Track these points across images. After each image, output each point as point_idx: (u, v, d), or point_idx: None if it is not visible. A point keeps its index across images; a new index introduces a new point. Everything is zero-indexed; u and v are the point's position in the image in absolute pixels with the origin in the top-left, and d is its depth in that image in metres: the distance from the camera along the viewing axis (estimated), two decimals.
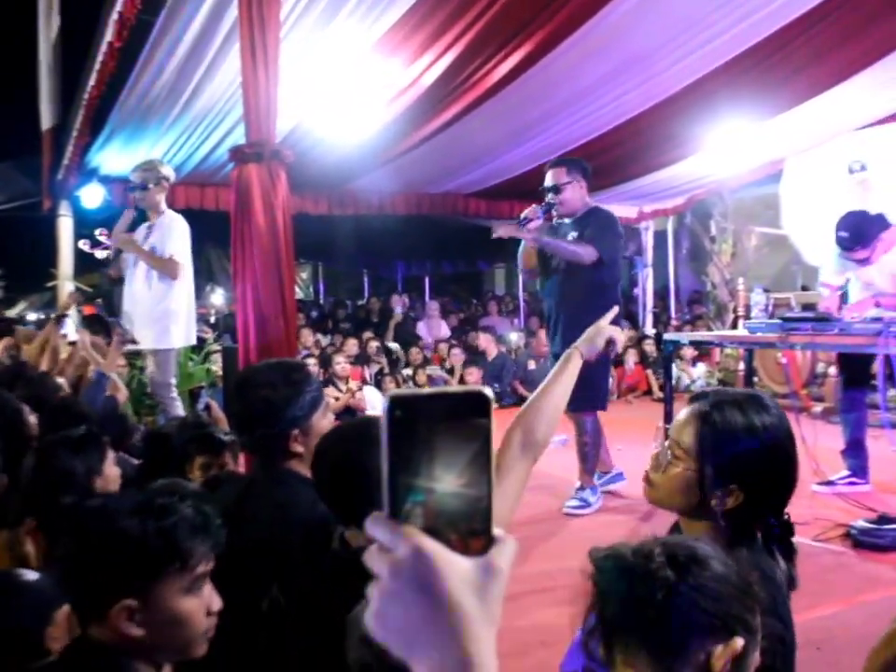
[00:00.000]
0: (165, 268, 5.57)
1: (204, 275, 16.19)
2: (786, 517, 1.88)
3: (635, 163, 9.09)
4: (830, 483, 5.27)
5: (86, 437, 2.66)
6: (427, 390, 0.69)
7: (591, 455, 5.33)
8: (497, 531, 0.68)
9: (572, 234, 5.33)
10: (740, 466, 1.84)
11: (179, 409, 5.66)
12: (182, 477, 2.77)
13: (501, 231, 5.60)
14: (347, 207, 9.76)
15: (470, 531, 0.68)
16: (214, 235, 11.13)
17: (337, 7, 5.44)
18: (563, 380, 1.95)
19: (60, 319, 5.51)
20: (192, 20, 5.41)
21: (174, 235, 5.64)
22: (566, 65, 6.63)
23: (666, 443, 1.95)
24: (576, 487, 5.31)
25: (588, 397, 5.06)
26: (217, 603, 1.67)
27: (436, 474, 0.66)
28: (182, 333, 5.72)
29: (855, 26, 6.57)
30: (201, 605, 1.63)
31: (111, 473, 2.74)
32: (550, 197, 5.34)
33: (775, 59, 6.88)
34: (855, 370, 5.49)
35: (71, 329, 5.45)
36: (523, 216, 5.25)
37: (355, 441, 1.94)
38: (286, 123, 6.32)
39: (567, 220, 5.42)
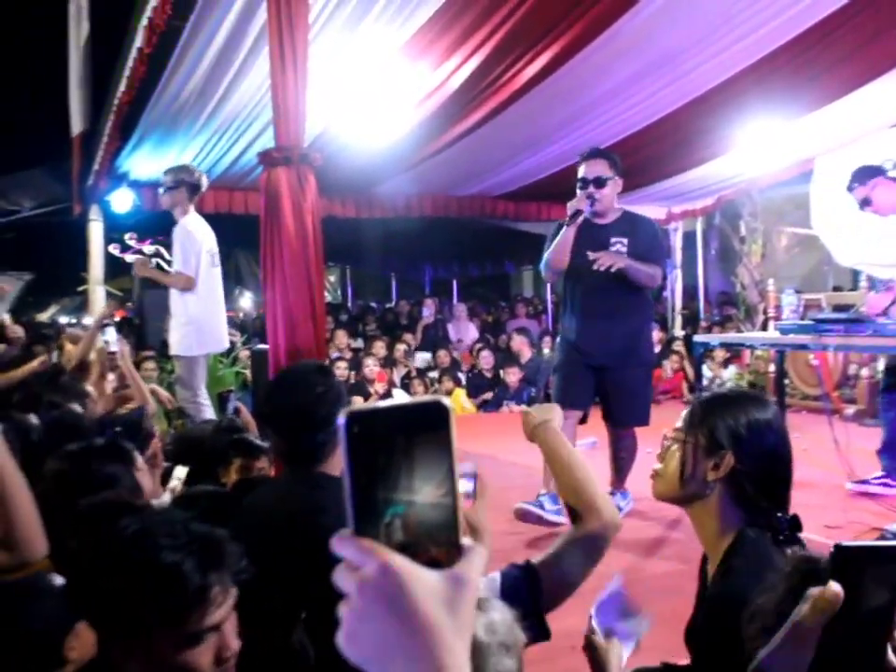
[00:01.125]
0: (177, 284, 5.74)
1: (233, 279, 16.30)
2: (793, 515, 1.92)
3: (664, 164, 9.05)
4: (864, 482, 5.21)
5: (114, 448, 2.55)
6: (384, 404, 0.69)
7: (625, 466, 5.19)
8: (465, 541, 0.68)
9: (620, 243, 5.05)
10: (728, 428, 1.94)
11: (208, 413, 5.70)
12: (213, 481, 2.78)
13: (577, 203, 5.02)
14: (375, 210, 9.78)
15: (447, 542, 0.67)
16: (242, 239, 11.17)
17: (365, 10, 5.44)
18: (573, 457, 2.00)
19: (103, 327, 5.57)
20: (221, 24, 5.44)
21: (183, 247, 5.76)
22: (593, 66, 6.61)
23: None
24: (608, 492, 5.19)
25: (634, 414, 5.06)
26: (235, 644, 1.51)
27: (403, 486, 0.66)
28: (205, 340, 5.79)
29: (887, 23, 6.50)
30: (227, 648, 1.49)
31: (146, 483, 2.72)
32: (590, 190, 5.02)
33: (805, 57, 6.81)
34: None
35: (112, 337, 5.51)
36: (573, 208, 4.97)
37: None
38: (314, 127, 6.34)
39: (599, 222, 5.13)
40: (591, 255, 4.89)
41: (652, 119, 7.81)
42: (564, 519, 4.52)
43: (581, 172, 5.10)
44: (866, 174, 5.47)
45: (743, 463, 1.93)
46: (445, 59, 6.29)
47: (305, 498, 2.38)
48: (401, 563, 0.65)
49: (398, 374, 10.39)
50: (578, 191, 5.08)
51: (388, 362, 10.33)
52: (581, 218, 4.94)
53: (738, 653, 1.67)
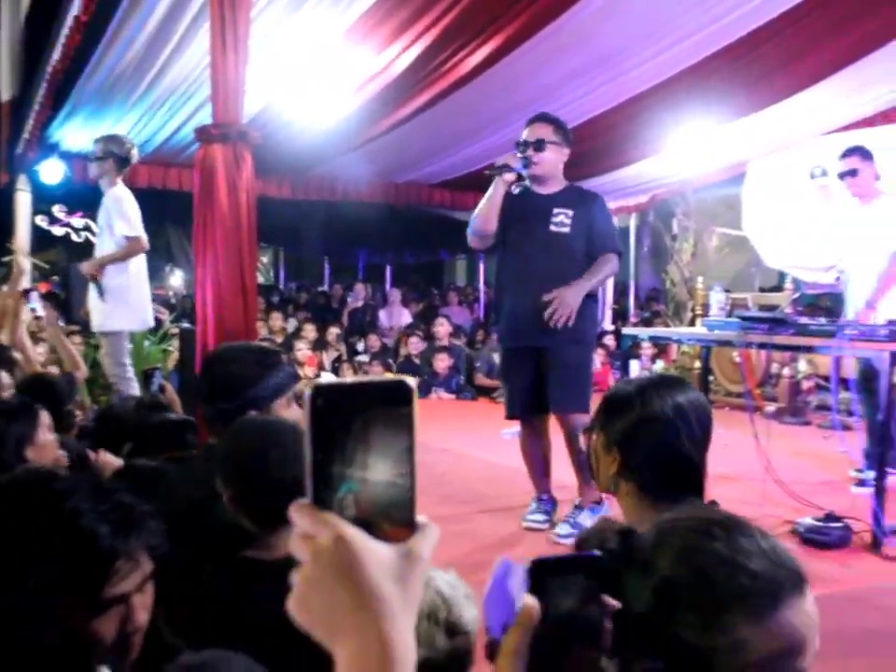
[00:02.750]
0: (133, 251, 5.56)
1: (164, 256, 16.05)
2: (711, 501, 1.94)
3: (599, 161, 9.12)
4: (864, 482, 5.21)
5: (17, 406, 2.60)
6: (349, 379, 0.70)
7: (588, 462, 4.60)
8: (420, 519, 0.69)
9: (564, 214, 4.55)
10: (616, 427, 2.00)
11: (135, 389, 5.61)
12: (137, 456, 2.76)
13: (506, 158, 4.65)
14: (311, 192, 9.72)
15: (402, 520, 0.69)
16: (175, 216, 11.06)
17: None
18: None
19: (27, 293, 5.43)
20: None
21: (121, 211, 5.57)
22: (534, 60, 6.65)
23: None
24: (574, 505, 4.55)
25: (572, 396, 4.50)
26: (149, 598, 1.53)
27: (359, 463, 0.67)
28: (131, 316, 5.67)
29: (822, 33, 6.65)
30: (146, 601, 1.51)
31: (46, 440, 2.72)
32: (525, 154, 4.54)
33: (742, 62, 6.94)
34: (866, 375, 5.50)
35: (38, 303, 5.38)
36: (500, 162, 4.59)
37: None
38: (253, 106, 6.27)
39: (540, 191, 4.65)
40: (546, 315, 4.41)
41: (591, 114, 7.88)
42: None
43: (523, 135, 4.64)
44: (870, 154, 5.51)
45: (631, 459, 1.97)
46: (388, 44, 6.28)
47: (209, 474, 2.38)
48: (355, 534, 0.66)
49: (329, 358, 10.35)
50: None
51: (319, 345, 10.28)
52: (510, 176, 4.53)
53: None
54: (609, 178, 10.02)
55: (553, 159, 4.61)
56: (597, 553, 0.75)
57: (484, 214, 4.63)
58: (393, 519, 0.68)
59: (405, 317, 13.19)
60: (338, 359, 10.31)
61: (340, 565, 0.66)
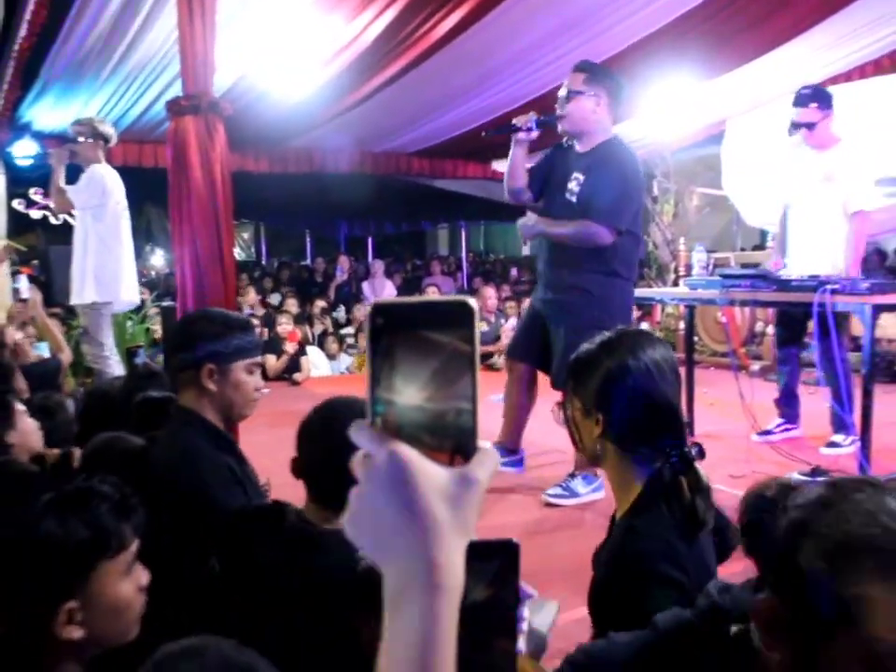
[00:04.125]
0: (57, 201, 5.63)
1: (143, 235, 15.95)
2: (687, 449, 1.92)
3: None
4: (767, 432, 5.46)
5: None
6: (411, 298, 0.69)
7: None
8: (481, 444, 0.69)
9: (576, 180, 4.30)
10: (590, 389, 1.97)
11: (117, 369, 5.58)
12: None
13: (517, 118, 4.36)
14: (289, 166, 9.64)
15: (458, 444, 0.68)
16: (153, 194, 10.89)
17: None
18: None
19: (14, 275, 5.42)
20: None
21: (88, 184, 5.60)
22: (508, 23, 6.58)
23: None
24: (566, 475, 4.48)
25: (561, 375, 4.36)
26: (145, 577, 1.63)
27: (419, 384, 0.67)
28: (108, 290, 5.63)
29: None
30: (134, 585, 1.59)
31: (25, 426, 2.73)
32: (560, 108, 4.30)
33: (717, 20, 6.89)
34: (790, 327, 5.63)
35: (24, 285, 5.35)
36: (513, 122, 4.32)
37: (339, 420, 1.94)
38: (225, 79, 6.21)
39: (579, 148, 4.36)
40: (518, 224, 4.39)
41: (566, 77, 7.82)
42: (601, 494, 4.24)
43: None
44: (829, 100, 5.29)
45: (612, 415, 1.94)
46: (359, 13, 6.19)
47: (177, 440, 2.44)
48: (409, 454, 0.66)
49: (314, 332, 10.33)
50: None
51: (302, 319, 10.25)
52: (522, 135, 4.31)
53: (626, 609, 1.71)
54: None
55: (582, 110, 4.25)
56: (514, 539, 0.74)
57: (507, 173, 4.50)
58: (451, 442, 0.68)
59: (388, 288, 13.16)
60: (323, 333, 10.29)
61: (393, 483, 0.66)
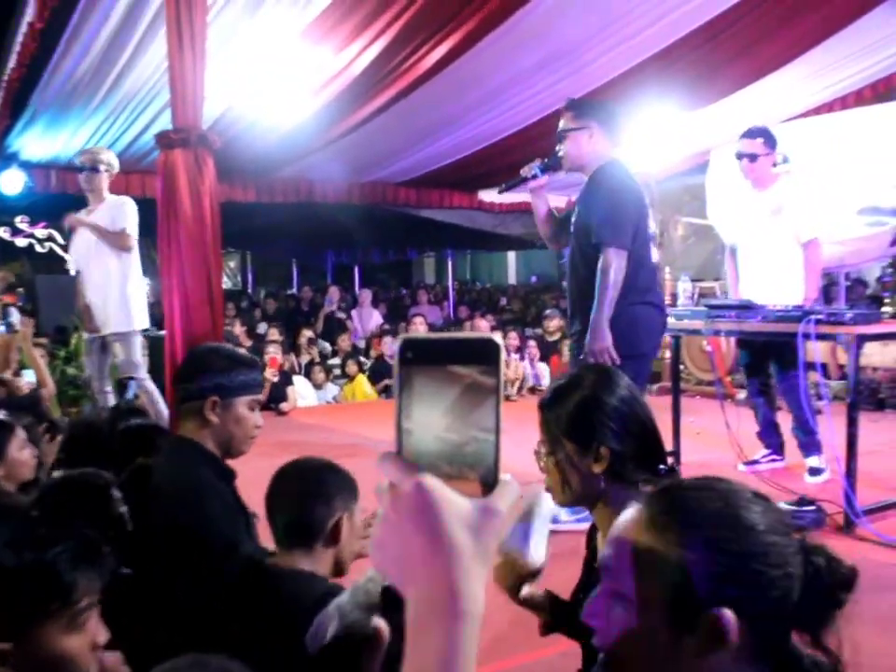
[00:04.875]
0: (118, 240, 5.55)
1: None
2: (676, 469, 1.99)
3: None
4: (754, 462, 5.47)
5: None
6: (439, 335, 0.72)
7: None
8: (503, 476, 0.70)
9: (575, 212, 4.39)
10: (587, 424, 1.95)
11: (155, 393, 5.55)
12: (111, 465, 2.73)
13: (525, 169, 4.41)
14: (276, 195, 9.67)
15: (481, 476, 0.70)
16: (139, 223, 10.93)
17: None
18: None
19: (5, 307, 5.41)
20: (117, 1, 5.30)
21: (125, 211, 5.62)
22: (494, 55, 6.65)
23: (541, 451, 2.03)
24: None
25: None
26: (103, 636, 1.51)
27: (444, 417, 0.69)
28: (142, 315, 5.73)
29: (779, 20, 6.72)
30: (84, 642, 1.47)
31: (19, 457, 2.73)
32: (558, 149, 4.36)
33: (701, 52, 6.99)
34: (754, 357, 5.66)
35: (16, 318, 5.34)
36: (521, 173, 4.40)
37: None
38: (214, 109, 6.24)
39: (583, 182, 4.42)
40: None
41: (553, 108, 7.89)
42: (586, 525, 4.18)
43: None
44: (775, 142, 5.49)
45: (620, 445, 1.95)
46: (347, 44, 6.26)
47: (175, 471, 2.45)
48: (434, 484, 0.68)
49: (301, 361, 10.31)
50: None
51: (288, 348, 10.24)
52: (534, 183, 4.39)
53: None
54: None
55: (576, 147, 4.28)
56: None
57: (537, 225, 4.66)
58: (474, 474, 0.70)
59: (375, 317, 13.17)
60: (310, 363, 10.27)
61: (418, 511, 0.68)
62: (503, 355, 0.70)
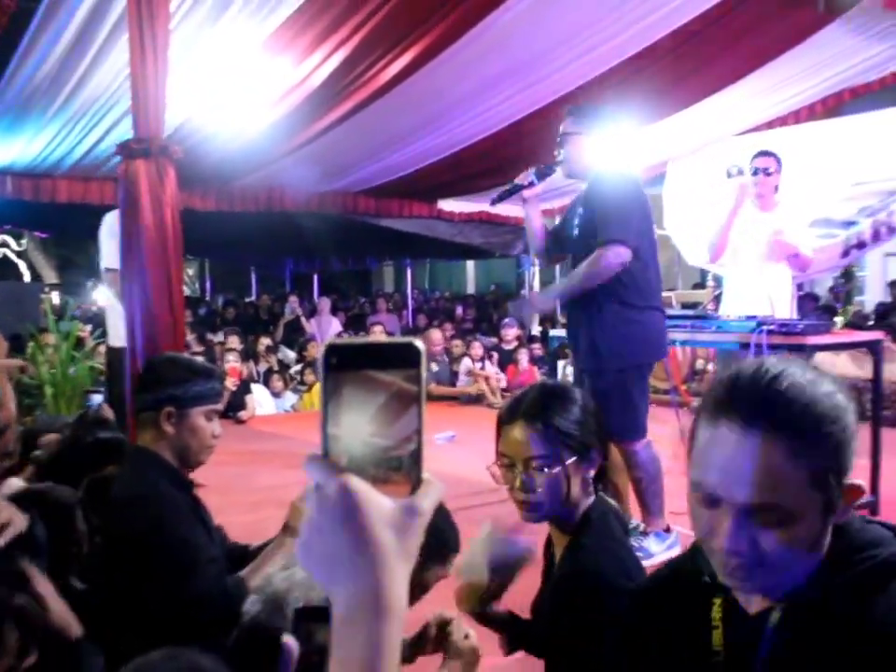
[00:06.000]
0: None
1: (85, 271, 15.80)
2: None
3: (521, 165, 9.16)
4: None
5: None
6: (363, 339, 0.74)
7: (650, 490, 4.22)
8: (424, 475, 0.73)
9: (578, 216, 4.25)
10: (587, 431, 1.98)
11: None
12: (75, 477, 2.72)
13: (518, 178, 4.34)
14: (235, 204, 9.62)
15: (405, 476, 0.72)
16: (96, 231, 10.84)
17: (227, 3, 5.39)
18: None
19: None
20: (77, 8, 5.28)
21: None
22: (454, 68, 6.70)
23: (518, 467, 1.97)
24: (639, 532, 4.17)
25: (631, 421, 4.14)
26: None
27: (368, 420, 0.71)
28: None
29: (735, 37, 6.85)
30: None
31: None
32: (554, 153, 4.29)
33: (658, 66, 7.10)
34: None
35: None
36: (515, 182, 4.30)
37: None
38: (174, 118, 6.22)
39: (583, 187, 4.33)
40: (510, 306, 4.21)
41: (510, 120, 7.98)
42: (677, 552, 3.84)
43: None
44: (781, 164, 5.72)
45: (600, 453, 2.02)
46: (308, 55, 6.27)
47: (132, 481, 2.46)
48: (359, 485, 0.70)
49: (259, 370, 10.29)
50: None
51: (247, 356, 10.21)
52: (528, 193, 4.29)
53: (585, 623, 1.78)
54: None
55: (574, 152, 4.21)
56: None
57: (528, 238, 4.55)
58: (397, 474, 0.72)
59: (335, 326, 13.17)
60: (268, 371, 10.25)
61: (342, 512, 0.70)
62: (424, 358, 0.72)
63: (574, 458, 1.94)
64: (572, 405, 1.99)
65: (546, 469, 1.93)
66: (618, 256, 3.96)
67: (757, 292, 5.64)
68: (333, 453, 0.71)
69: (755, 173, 5.70)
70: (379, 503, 0.71)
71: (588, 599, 1.81)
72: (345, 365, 0.71)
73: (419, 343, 0.72)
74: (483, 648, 2.01)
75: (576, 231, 4.22)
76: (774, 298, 5.54)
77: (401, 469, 0.72)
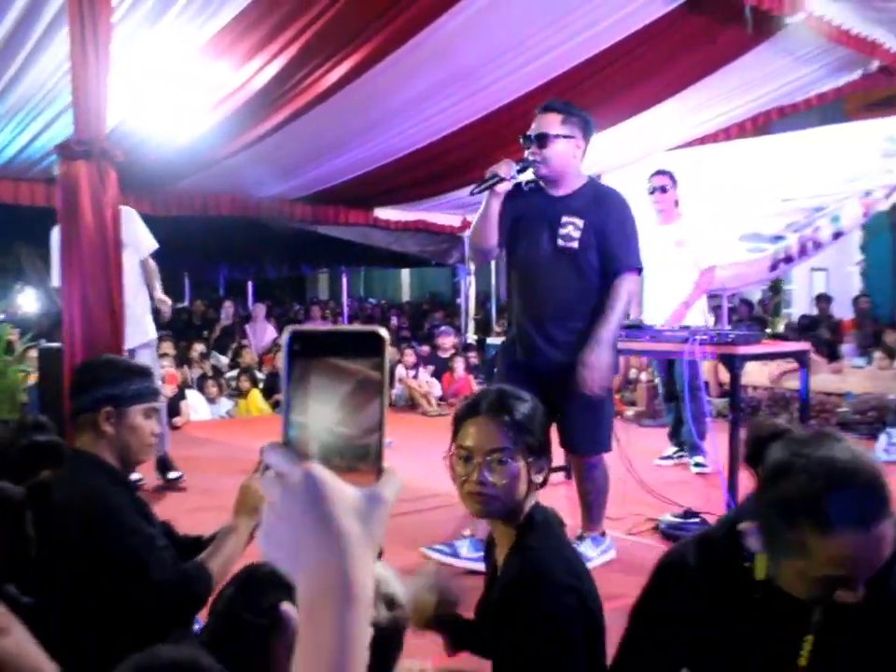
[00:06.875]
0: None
1: (13, 274, 15.47)
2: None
3: (458, 174, 9.27)
4: (667, 457, 6.50)
5: None
6: (326, 327, 0.75)
7: (597, 502, 4.19)
8: (385, 465, 0.74)
9: (572, 224, 3.95)
10: (541, 425, 2.07)
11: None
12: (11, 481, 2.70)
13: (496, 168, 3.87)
14: (171, 208, 9.48)
15: (367, 465, 0.73)
16: (26, 232, 10.64)
17: (167, 5, 5.35)
18: None
19: None
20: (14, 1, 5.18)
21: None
22: (394, 76, 6.73)
23: (477, 460, 2.00)
24: (576, 536, 4.09)
25: (590, 435, 4.05)
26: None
27: (330, 407, 0.72)
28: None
29: (667, 55, 7.03)
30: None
31: None
32: (530, 151, 3.95)
33: (592, 81, 7.24)
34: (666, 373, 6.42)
35: None
36: (490, 173, 3.85)
37: None
38: (111, 119, 6.13)
39: (553, 192, 4.04)
40: (578, 383, 3.86)
41: (448, 130, 8.04)
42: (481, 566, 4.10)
43: (530, 129, 4.02)
44: (676, 181, 6.31)
45: (549, 461, 2.10)
46: (247, 60, 6.25)
47: (75, 484, 2.44)
48: (322, 473, 0.71)
49: (193, 375, 10.19)
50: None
51: (181, 362, 10.10)
52: (503, 186, 3.86)
53: (537, 624, 1.83)
54: (467, 191, 10.19)
55: (561, 154, 3.94)
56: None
57: (481, 231, 4.03)
58: (360, 463, 0.73)
59: (270, 332, 13.08)
60: (202, 377, 10.15)
61: (307, 500, 0.71)
62: (388, 347, 0.73)
63: (531, 458, 2.01)
64: (529, 406, 2.06)
65: (508, 461, 1.98)
66: (636, 283, 4.04)
67: (668, 301, 6.07)
68: (298, 440, 0.72)
69: (652, 191, 6.23)
70: (342, 491, 0.71)
71: (540, 600, 1.85)
72: (309, 352, 0.71)
73: (383, 331, 0.73)
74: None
75: (573, 244, 3.95)
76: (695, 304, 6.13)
77: (367, 458, 0.73)
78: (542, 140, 3.91)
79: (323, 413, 0.72)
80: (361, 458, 0.73)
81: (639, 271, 4.08)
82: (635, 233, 4.04)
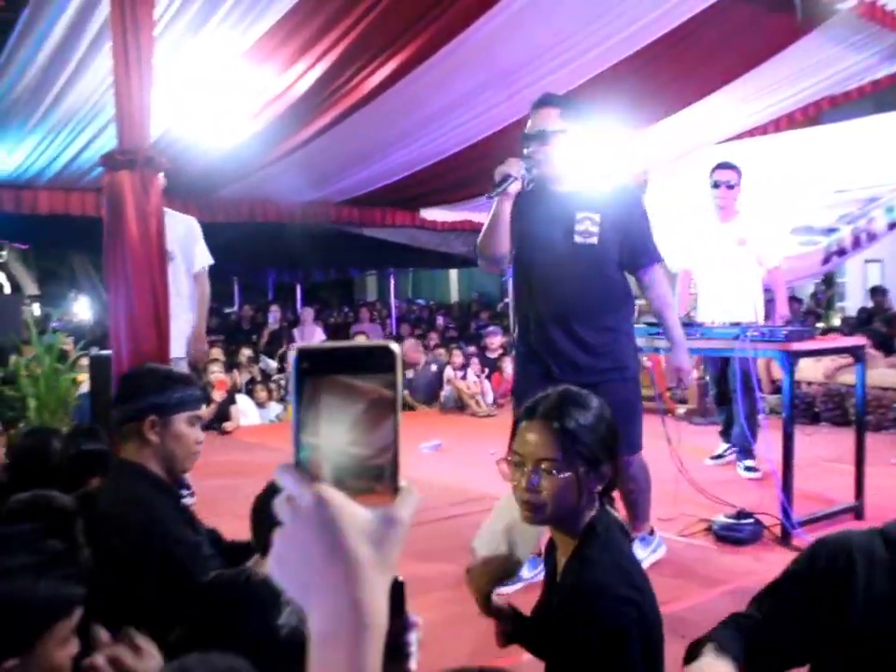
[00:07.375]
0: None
1: (67, 282, 15.75)
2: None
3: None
4: (719, 456, 6.37)
5: None
6: (335, 343, 0.71)
7: (640, 500, 4.12)
8: (402, 483, 0.71)
9: (589, 220, 3.79)
10: (600, 440, 1.98)
11: None
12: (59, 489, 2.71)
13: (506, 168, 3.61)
14: (217, 215, 9.56)
15: (382, 485, 0.70)
16: (79, 241, 10.83)
17: (210, 12, 5.39)
18: None
19: None
20: (59, 18, 5.25)
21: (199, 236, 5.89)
22: (436, 77, 6.73)
23: (528, 468, 1.97)
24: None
25: (633, 437, 3.91)
26: (76, 647, 1.54)
27: (343, 427, 0.69)
28: None
29: (716, 45, 6.93)
30: (69, 653, 1.50)
31: None
32: (530, 149, 3.74)
33: (641, 75, 7.16)
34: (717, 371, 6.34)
35: None
36: (500, 174, 3.61)
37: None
38: (156, 128, 6.20)
39: (558, 189, 3.84)
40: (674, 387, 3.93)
41: (494, 129, 8.00)
42: (661, 555, 4.10)
43: (527, 127, 3.81)
44: (741, 175, 5.91)
45: (612, 467, 2.01)
46: (290, 65, 6.28)
47: (118, 493, 2.46)
48: (335, 496, 0.68)
49: (242, 379, 10.25)
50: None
51: (230, 367, 10.17)
52: (515, 186, 3.65)
53: (586, 636, 1.79)
54: None
55: (564, 149, 3.76)
56: (399, 577, 0.77)
57: (493, 237, 3.78)
58: (375, 484, 0.70)
59: (318, 335, 13.14)
60: (251, 381, 10.21)
61: (318, 525, 0.68)
62: (400, 362, 0.69)
63: (584, 468, 1.94)
64: (591, 414, 1.99)
65: (555, 473, 1.93)
66: (664, 274, 4.01)
67: (731, 300, 5.88)
68: (310, 462, 0.69)
69: (716, 185, 5.89)
70: (355, 514, 0.69)
71: (600, 614, 1.81)
72: (318, 370, 0.69)
73: (394, 345, 0.70)
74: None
75: (592, 239, 3.79)
76: (745, 304, 5.88)
77: (382, 478, 0.70)
78: (543, 137, 3.72)
79: (335, 433, 0.69)
80: (376, 479, 0.70)
81: (661, 261, 4.04)
82: (650, 227, 4.01)
